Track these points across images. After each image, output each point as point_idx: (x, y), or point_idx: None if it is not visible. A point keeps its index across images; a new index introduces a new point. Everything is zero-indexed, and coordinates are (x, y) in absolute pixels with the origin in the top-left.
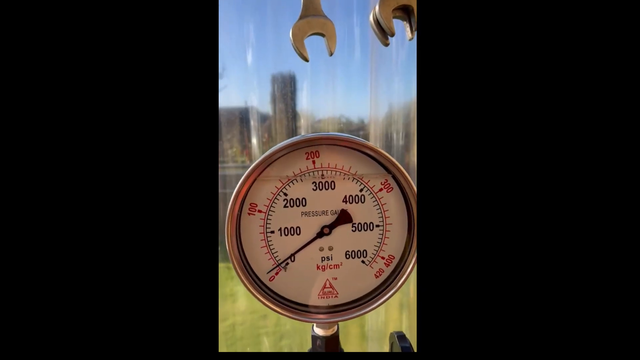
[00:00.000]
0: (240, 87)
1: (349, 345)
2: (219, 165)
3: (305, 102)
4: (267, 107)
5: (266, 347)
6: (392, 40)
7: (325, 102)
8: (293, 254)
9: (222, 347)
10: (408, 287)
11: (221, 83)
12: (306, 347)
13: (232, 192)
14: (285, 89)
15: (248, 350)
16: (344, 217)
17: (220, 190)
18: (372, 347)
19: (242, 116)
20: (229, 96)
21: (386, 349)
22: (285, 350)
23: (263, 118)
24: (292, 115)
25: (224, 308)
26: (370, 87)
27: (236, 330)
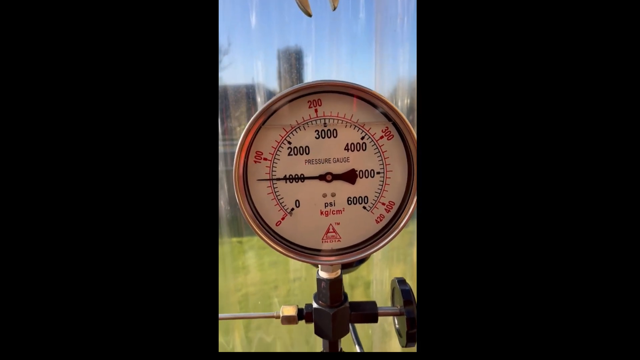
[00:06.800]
0: (245, 64)
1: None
2: (227, 143)
3: (310, 78)
4: (273, 83)
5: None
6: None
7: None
8: (290, 178)
9: None
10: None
11: (226, 60)
12: None
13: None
14: (291, 64)
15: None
16: (348, 176)
17: (228, 168)
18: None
19: (249, 93)
20: (235, 73)
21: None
22: None
23: (269, 94)
24: None
25: (237, 280)
26: (375, 62)
27: (249, 300)
